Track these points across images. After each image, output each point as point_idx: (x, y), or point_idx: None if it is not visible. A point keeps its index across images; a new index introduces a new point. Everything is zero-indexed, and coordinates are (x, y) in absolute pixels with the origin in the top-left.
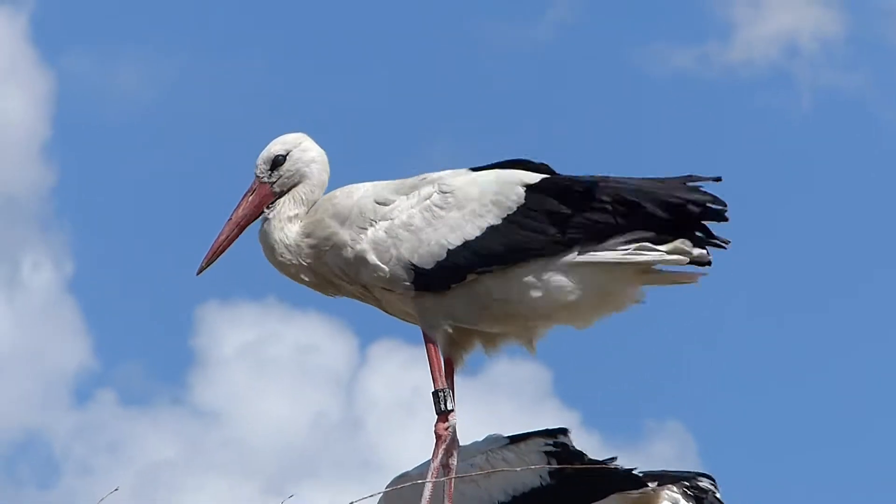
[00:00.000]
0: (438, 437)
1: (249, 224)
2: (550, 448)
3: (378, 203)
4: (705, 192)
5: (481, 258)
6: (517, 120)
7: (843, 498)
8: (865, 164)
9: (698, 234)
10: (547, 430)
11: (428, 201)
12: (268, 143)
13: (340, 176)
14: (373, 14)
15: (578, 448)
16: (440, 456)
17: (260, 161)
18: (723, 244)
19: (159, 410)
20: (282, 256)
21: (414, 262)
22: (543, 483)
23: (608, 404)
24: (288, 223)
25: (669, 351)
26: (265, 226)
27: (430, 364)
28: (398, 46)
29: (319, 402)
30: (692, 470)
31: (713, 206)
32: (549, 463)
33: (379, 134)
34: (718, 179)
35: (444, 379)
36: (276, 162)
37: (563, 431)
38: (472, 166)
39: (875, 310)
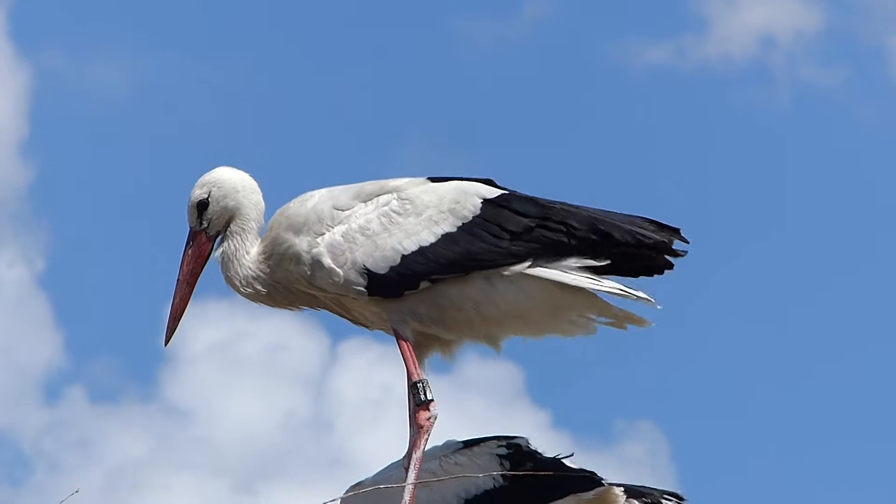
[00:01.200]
0: (420, 427)
1: (198, 276)
2: (503, 451)
3: (336, 209)
4: (660, 232)
5: (434, 265)
6: (492, 117)
7: (819, 500)
8: (844, 159)
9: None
10: (502, 436)
11: (386, 207)
12: (194, 182)
13: (313, 174)
14: (348, 10)
15: (539, 448)
16: (422, 447)
17: (187, 212)
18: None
19: (129, 408)
20: (248, 290)
21: (368, 267)
22: (497, 485)
23: (579, 404)
24: (245, 256)
25: (644, 351)
26: (225, 271)
27: (404, 358)
28: (372, 43)
29: (289, 401)
30: (660, 488)
31: (665, 246)
32: (501, 465)
33: (352, 132)
34: (678, 232)
35: (420, 371)
36: (201, 207)
37: (519, 438)
38: (434, 176)
39: (855, 308)
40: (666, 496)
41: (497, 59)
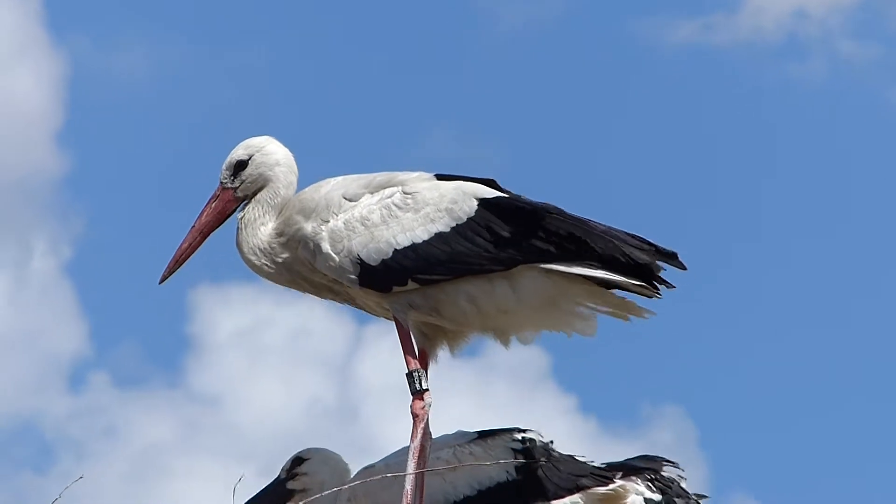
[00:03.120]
0: (416, 416)
1: (213, 230)
2: (517, 444)
3: (346, 198)
4: (654, 255)
5: (423, 263)
6: (520, 99)
7: (848, 481)
8: (879, 133)
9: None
10: (516, 428)
11: (389, 200)
12: (239, 143)
13: (337, 161)
14: None
15: (551, 440)
16: (419, 436)
17: (223, 166)
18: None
19: (154, 395)
20: (256, 260)
21: (361, 257)
22: (510, 478)
23: (606, 389)
24: (261, 227)
25: (672, 336)
26: (238, 234)
27: (402, 346)
28: (397, 27)
29: (314, 386)
30: (658, 455)
31: (655, 270)
32: (515, 458)
33: (377, 118)
34: (675, 256)
35: (416, 360)
36: (239, 167)
37: (535, 433)
38: (443, 174)
39: (887, 291)
40: (666, 463)
41: (526, 40)
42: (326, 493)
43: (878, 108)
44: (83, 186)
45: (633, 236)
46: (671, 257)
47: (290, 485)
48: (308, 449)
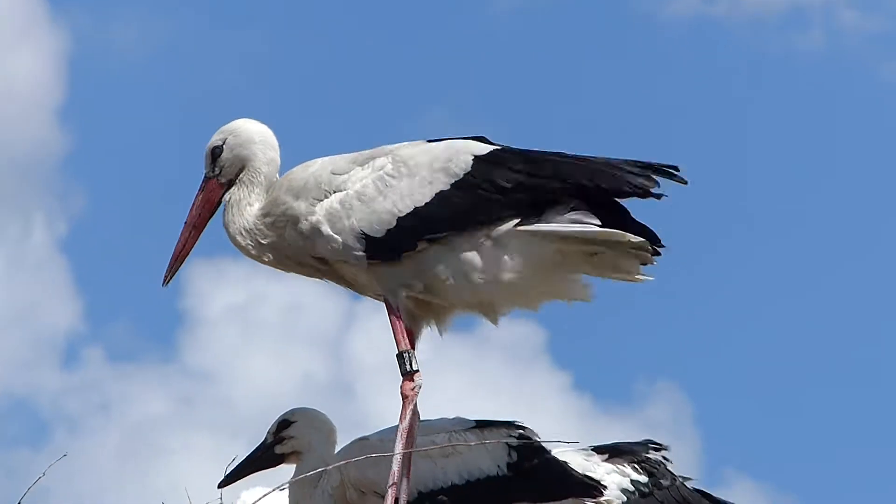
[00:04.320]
0: (405, 397)
1: (206, 223)
2: (514, 440)
3: (334, 173)
4: (650, 179)
5: (430, 224)
6: (518, 75)
7: (844, 458)
8: (880, 105)
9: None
10: (513, 422)
11: (381, 171)
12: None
13: (333, 143)
14: None
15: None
16: (408, 417)
17: (204, 156)
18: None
19: (148, 370)
20: (242, 241)
21: (366, 231)
22: (500, 473)
23: (602, 365)
24: (247, 207)
25: (667, 312)
26: (224, 215)
27: (392, 327)
28: (392, 7)
29: (308, 362)
30: (644, 438)
31: (652, 192)
32: (509, 453)
33: (374, 97)
34: (676, 171)
35: (406, 341)
36: (215, 153)
37: (529, 430)
38: (436, 138)
39: (883, 264)
40: (652, 445)
41: (522, 15)
42: (318, 470)
43: (871, 85)
44: (83, 163)
45: (632, 161)
46: (671, 175)
47: (279, 449)
48: (293, 410)
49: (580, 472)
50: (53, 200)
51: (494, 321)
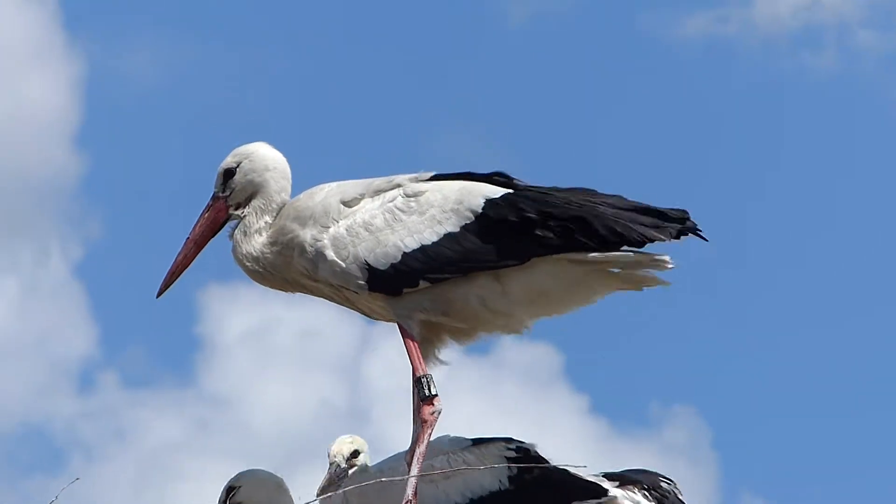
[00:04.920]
0: (425, 422)
1: (208, 241)
2: (511, 453)
3: (343, 203)
4: (663, 230)
5: (435, 264)
6: (528, 96)
7: (864, 483)
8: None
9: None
10: (510, 438)
11: (391, 204)
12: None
13: (347, 164)
14: None
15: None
16: (425, 442)
17: (216, 176)
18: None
19: (164, 396)
20: (249, 268)
21: (369, 262)
22: (502, 487)
23: (619, 388)
24: (255, 235)
25: (684, 335)
26: (232, 241)
27: (408, 352)
28: (404, 26)
29: (324, 387)
30: (654, 471)
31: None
32: (509, 467)
33: (388, 120)
34: (686, 217)
35: (424, 365)
36: (228, 175)
37: (529, 445)
38: (440, 173)
39: None
40: (662, 479)
41: (534, 37)
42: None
43: (886, 105)
44: (99, 188)
45: (642, 209)
46: (681, 221)
47: None
48: (238, 475)
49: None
50: (69, 226)
51: (518, 333)
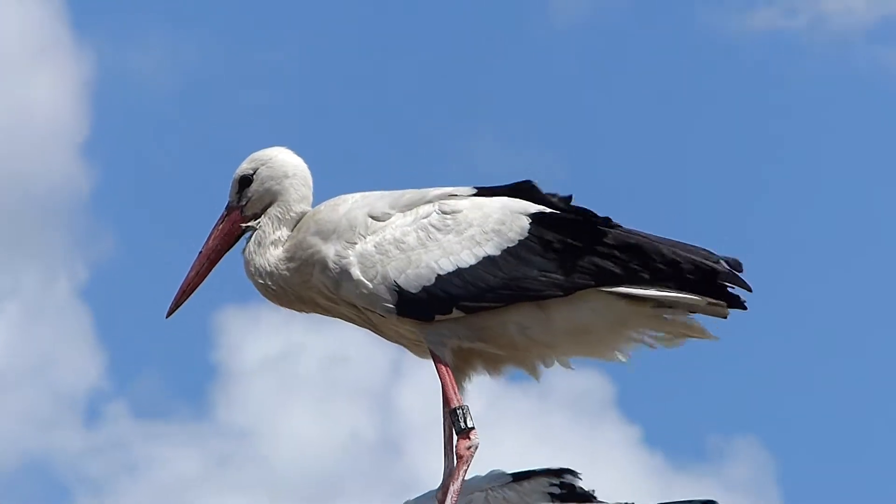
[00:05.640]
0: (460, 457)
1: (222, 256)
2: (556, 489)
3: (372, 217)
4: (720, 264)
5: (473, 289)
6: (581, 101)
7: None
8: None
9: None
10: (552, 469)
11: (425, 220)
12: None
13: (374, 169)
14: None
15: (588, 488)
16: (461, 478)
17: (230, 185)
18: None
19: (178, 428)
20: (262, 284)
21: (399, 283)
22: None
23: (673, 420)
24: (271, 247)
25: (750, 363)
26: (244, 253)
27: (442, 382)
28: (440, 23)
29: (352, 418)
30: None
31: (727, 279)
32: (552, 501)
33: (421, 124)
34: (738, 266)
35: (459, 396)
36: (244, 182)
37: (571, 472)
38: (482, 186)
39: None
40: None
41: (586, 37)
42: None
43: None
44: (108, 202)
45: (698, 249)
46: (735, 269)
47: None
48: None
49: None
50: (74, 243)
51: (536, 377)
